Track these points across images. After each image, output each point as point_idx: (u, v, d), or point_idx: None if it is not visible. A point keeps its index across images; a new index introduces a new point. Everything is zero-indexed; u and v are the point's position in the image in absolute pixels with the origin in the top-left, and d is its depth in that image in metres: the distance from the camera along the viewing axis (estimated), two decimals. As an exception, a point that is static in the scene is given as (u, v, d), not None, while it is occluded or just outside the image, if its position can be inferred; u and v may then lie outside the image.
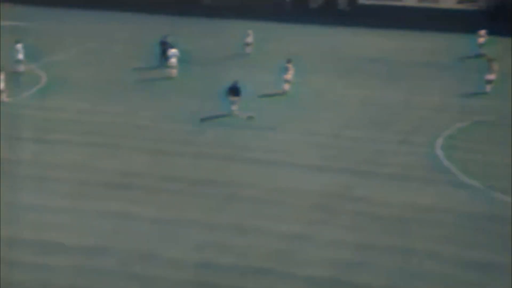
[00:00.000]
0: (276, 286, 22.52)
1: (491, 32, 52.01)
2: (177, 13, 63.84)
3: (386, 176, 30.80)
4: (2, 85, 38.74)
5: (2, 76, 38.75)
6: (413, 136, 35.70)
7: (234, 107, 37.65)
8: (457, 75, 46.75)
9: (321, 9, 65.89)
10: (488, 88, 41.78)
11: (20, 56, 44.29)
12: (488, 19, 58.36)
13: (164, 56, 46.29)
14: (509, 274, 23.45)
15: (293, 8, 66.36)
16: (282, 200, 28.34)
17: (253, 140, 34.56)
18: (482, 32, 51.12)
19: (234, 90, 37.65)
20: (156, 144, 33.75)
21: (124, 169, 30.65)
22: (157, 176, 30.12)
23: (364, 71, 47.86)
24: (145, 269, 23.14)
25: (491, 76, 41.65)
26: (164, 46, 46.70)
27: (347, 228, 26.26)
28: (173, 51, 44.82)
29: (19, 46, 44.36)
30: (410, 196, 28.83)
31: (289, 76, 42.25)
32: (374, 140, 34.92)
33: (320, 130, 36.29)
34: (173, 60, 44.60)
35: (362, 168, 31.49)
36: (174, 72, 44.74)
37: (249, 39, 51.75)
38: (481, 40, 50.93)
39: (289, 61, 42.63)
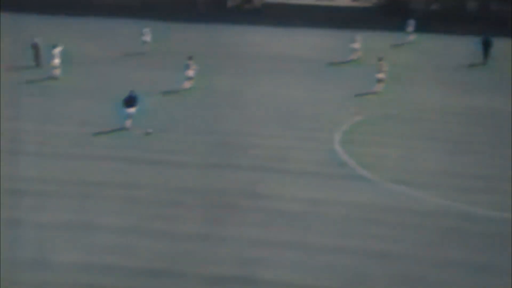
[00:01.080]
0: (175, 286, 22.59)
1: (384, 28, 53.62)
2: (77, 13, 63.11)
3: (286, 172, 31.41)
4: None
5: None
6: (312, 132, 36.53)
7: (128, 122, 35.38)
8: (353, 72, 47.83)
9: (235, 8, 66.25)
10: (379, 87, 42.57)
11: None
12: (382, 15, 59.96)
13: (37, 58, 46.20)
14: (407, 262, 24.29)
15: (209, 7, 66.44)
16: (181, 200, 28.47)
17: (148, 140, 34.37)
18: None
19: (130, 101, 35.30)
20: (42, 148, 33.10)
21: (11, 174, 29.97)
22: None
23: (264, 69, 48.47)
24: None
25: (381, 75, 42.38)
26: (36, 48, 46.44)
27: (249, 225, 26.62)
28: (56, 51, 44.20)
29: None
30: (309, 192, 29.52)
31: (190, 73, 42.50)
32: (274, 137, 35.44)
33: (221, 128, 36.59)
34: (56, 61, 44.06)
35: (262, 165, 31.95)
36: (57, 72, 44.19)
37: (147, 38, 51.71)
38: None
39: (190, 58, 42.84)
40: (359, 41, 50.42)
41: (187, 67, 42.72)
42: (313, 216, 27.40)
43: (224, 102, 41.02)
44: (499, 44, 52.86)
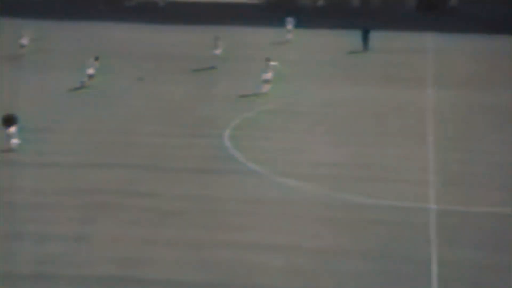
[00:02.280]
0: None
1: (274, 25, 54.71)
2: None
3: (176, 169, 32.19)
4: None
5: None
6: (202, 129, 37.42)
7: (13, 141, 33.58)
8: (244, 67, 48.68)
9: (137, 7, 65.81)
10: (266, 87, 43.04)
11: None
12: (269, 12, 61.07)
13: None
14: (312, 255, 25.44)
15: (107, 6, 65.76)
16: (58, 202, 28.65)
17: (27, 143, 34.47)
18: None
19: (9, 121, 33.33)
20: None
21: None
22: None
23: (157, 67, 48.77)
24: None
25: (268, 76, 43.01)
26: None
27: (131, 223, 27.10)
28: None
29: None
30: (200, 189, 30.35)
31: (91, 71, 42.95)
32: (163, 135, 36.21)
33: (106, 127, 36.89)
34: None
35: (149, 163, 32.61)
36: None
37: (24, 41, 50.73)
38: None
39: (97, 58, 43.44)
40: (221, 46, 50.18)
41: (90, 66, 42.88)
42: (200, 213, 28.16)
43: (112, 101, 41.27)
44: (378, 36, 54.86)
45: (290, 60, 49.52)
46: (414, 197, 30.01)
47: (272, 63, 43.36)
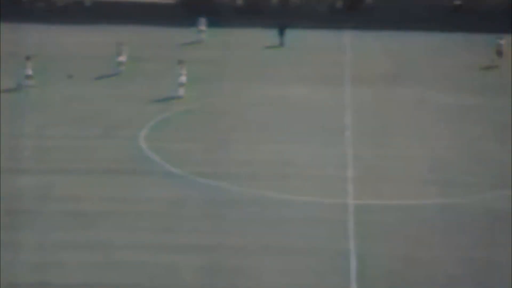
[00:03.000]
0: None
1: (189, 25, 54.55)
2: None
3: (92, 172, 31.84)
4: None
5: None
6: (117, 130, 37.07)
7: None
8: (157, 68, 48.17)
9: (67, 7, 64.30)
10: (181, 91, 42.25)
11: None
12: (187, 12, 60.82)
13: None
14: (233, 253, 25.58)
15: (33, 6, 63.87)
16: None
17: None
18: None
19: None
20: None
21: None
22: None
23: (73, 68, 47.68)
24: None
25: (182, 78, 42.23)
26: None
27: (48, 228, 26.77)
28: None
29: None
30: (118, 191, 30.18)
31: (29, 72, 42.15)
32: (78, 137, 35.72)
33: (21, 131, 36.19)
34: None
35: (66, 167, 32.16)
36: None
37: None
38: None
39: (28, 57, 42.54)
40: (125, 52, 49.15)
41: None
42: (117, 216, 28.00)
43: (32, 104, 40.34)
44: (297, 34, 55.25)
45: (204, 60, 49.41)
46: (333, 193, 30.43)
47: None
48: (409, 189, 30.91)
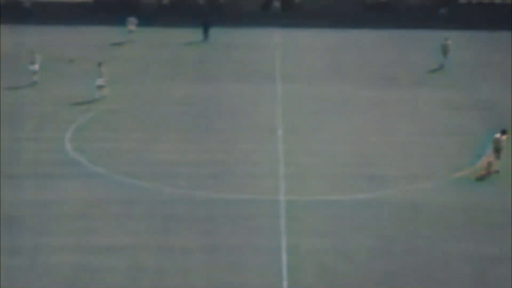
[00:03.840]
0: None
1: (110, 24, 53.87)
2: None
3: (15, 175, 31.07)
4: None
5: None
6: (41, 132, 36.26)
7: None
8: (82, 68, 47.46)
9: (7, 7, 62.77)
10: (101, 92, 41.55)
11: None
12: (115, 11, 60.15)
13: None
14: (159, 253, 25.20)
15: None
16: None
17: None
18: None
19: None
20: None
21: None
22: None
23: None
24: None
25: (101, 81, 41.58)
26: None
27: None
28: None
29: None
30: (43, 193, 29.47)
31: None
32: (1, 140, 34.78)
33: None
34: None
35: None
36: None
37: None
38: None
39: None
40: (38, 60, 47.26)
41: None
42: (42, 218, 27.47)
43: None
44: (226, 32, 55.33)
45: (131, 59, 48.90)
46: (264, 190, 30.37)
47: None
48: (339, 184, 31.15)
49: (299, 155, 33.98)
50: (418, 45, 53.47)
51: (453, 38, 52.31)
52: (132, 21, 54.21)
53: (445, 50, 48.39)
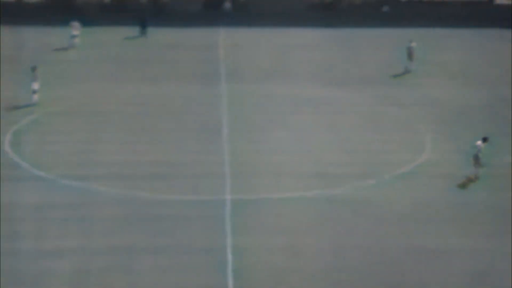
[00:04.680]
0: None
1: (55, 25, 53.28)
2: None
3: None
4: None
5: None
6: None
7: None
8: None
9: None
10: (34, 98, 40.34)
11: None
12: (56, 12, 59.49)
13: None
14: (105, 255, 25.21)
15: None
16: None
17: None
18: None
19: None
20: None
21: None
22: None
23: None
24: None
25: (36, 85, 40.43)
26: None
27: None
28: None
29: None
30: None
31: None
32: None
33: None
34: None
35: None
36: None
37: None
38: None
39: None
40: None
41: None
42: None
43: None
44: (168, 32, 55.08)
45: (73, 61, 48.41)
46: (210, 190, 30.53)
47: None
48: (286, 182, 31.38)
49: (245, 154, 34.13)
50: (364, 43, 53.94)
51: (397, 35, 53.08)
52: (75, 25, 53.42)
53: (410, 54, 46.86)
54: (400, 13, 61.50)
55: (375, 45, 53.35)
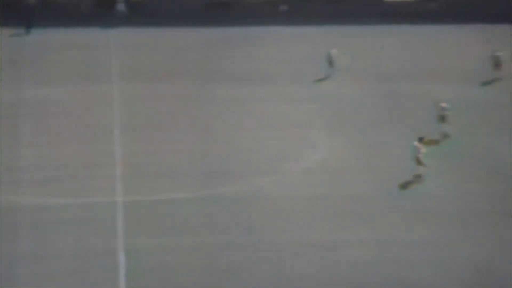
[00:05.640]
0: None
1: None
2: None
3: None
4: None
5: None
6: None
7: None
8: None
9: None
10: None
11: None
12: None
13: None
14: None
15: None
16: None
17: None
18: None
19: None
20: None
21: None
22: None
23: None
24: None
25: None
26: None
27: None
28: None
29: None
30: None
31: None
32: None
33: None
34: None
35: None
36: None
37: None
38: None
39: None
40: None
41: None
42: None
43: None
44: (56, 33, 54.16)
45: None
46: (100, 192, 30.25)
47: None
48: (179, 182, 31.44)
49: (137, 155, 33.94)
50: (261, 41, 54.29)
51: (296, 34, 53.47)
52: None
53: (330, 60, 45.31)
54: (300, 11, 62.03)
55: (272, 43, 53.78)
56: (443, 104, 36.31)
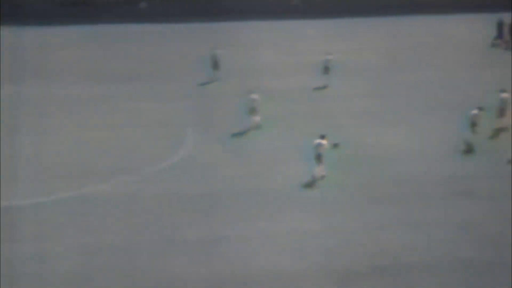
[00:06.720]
0: None
1: None
2: None
3: None
4: None
5: None
6: None
7: None
8: None
9: None
10: None
11: None
12: None
13: None
14: None
15: None
16: None
17: None
18: None
19: None
20: None
21: None
22: None
23: None
24: None
25: None
26: None
27: None
28: None
29: None
30: None
31: None
32: None
33: None
34: None
35: None
36: None
37: None
38: None
39: None
40: None
41: None
42: None
43: None
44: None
45: None
46: None
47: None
48: (43, 185, 31.81)
49: (18, 158, 34.25)
50: (123, 39, 54.45)
51: (158, 31, 54.15)
52: None
53: (215, 62, 45.23)
54: (159, 8, 62.33)
55: (133, 41, 54.53)
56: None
